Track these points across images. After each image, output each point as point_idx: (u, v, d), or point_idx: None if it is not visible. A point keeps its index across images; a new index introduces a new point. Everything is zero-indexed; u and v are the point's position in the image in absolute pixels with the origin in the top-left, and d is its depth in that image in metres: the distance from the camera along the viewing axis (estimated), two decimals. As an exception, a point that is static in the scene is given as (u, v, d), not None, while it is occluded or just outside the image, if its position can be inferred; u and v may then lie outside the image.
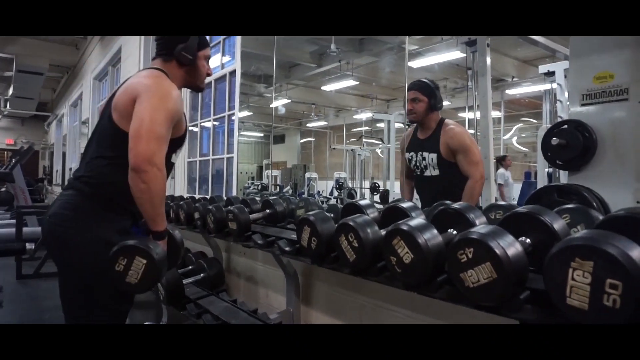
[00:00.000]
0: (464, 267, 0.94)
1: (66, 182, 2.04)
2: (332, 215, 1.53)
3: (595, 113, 1.70)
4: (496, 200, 3.70)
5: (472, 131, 3.41)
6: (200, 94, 5.38)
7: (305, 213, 1.54)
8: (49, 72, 10.58)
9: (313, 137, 15.03)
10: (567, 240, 0.81)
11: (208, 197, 3.05)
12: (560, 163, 1.81)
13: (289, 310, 2.14)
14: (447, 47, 6.69)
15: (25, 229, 4.44)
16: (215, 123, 5.13)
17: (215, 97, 5.07)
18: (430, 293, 1.09)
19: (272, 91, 6.37)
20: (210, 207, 2.25)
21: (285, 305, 2.18)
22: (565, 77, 4.07)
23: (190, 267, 2.82)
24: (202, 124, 5.41)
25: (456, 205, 1.28)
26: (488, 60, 3.06)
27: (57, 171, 13.39)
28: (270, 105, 8.19)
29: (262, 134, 12.97)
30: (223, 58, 5.03)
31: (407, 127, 4.47)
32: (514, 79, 8.98)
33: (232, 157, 4.64)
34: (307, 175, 9.35)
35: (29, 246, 4.35)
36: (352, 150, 9.81)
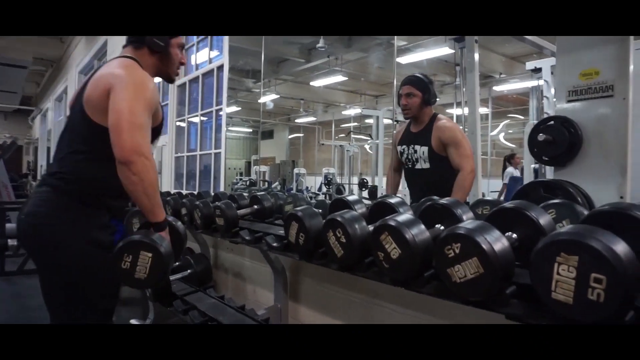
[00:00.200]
0: (451, 262, 0.94)
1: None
2: (320, 211, 1.52)
3: (581, 109, 1.72)
4: (483, 195, 3.74)
5: (460, 126, 3.43)
6: (187, 88, 5.33)
7: (293, 209, 1.53)
8: (33, 65, 10.39)
9: (302, 133, 14.99)
10: (553, 235, 0.82)
11: (195, 192, 3.02)
12: (546, 159, 1.83)
13: (276, 306, 2.14)
14: (435, 43, 6.71)
15: (8, 225, 4.36)
16: (203, 118, 5.08)
17: (202, 91, 5.02)
18: (418, 288, 1.09)
19: (261, 86, 6.33)
20: (197, 202, 2.23)
21: (273, 301, 2.17)
22: (551, 73, 4.10)
23: (177, 263, 2.80)
24: (189, 119, 5.35)
25: (443, 200, 1.28)
26: (476, 56, 3.07)
27: (41, 166, 13.18)
28: (259, 101, 8.14)
29: (251, 130, 12.90)
30: (211, 52, 4.98)
31: (395, 122, 4.49)
32: (502, 76, 9.06)
33: (220, 153, 4.61)
34: (296, 171, 9.32)
35: (12, 242, 4.29)
36: (340, 146, 9.80)
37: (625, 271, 0.72)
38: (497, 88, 9.51)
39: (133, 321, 2.49)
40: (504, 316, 0.92)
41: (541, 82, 4.33)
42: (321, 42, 6.30)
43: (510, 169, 6.79)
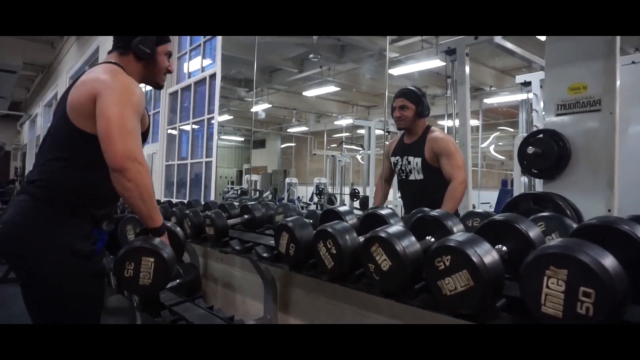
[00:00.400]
0: (442, 274, 0.94)
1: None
2: (311, 221, 1.52)
3: (569, 123, 1.74)
4: (474, 207, 3.75)
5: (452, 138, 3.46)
6: (179, 96, 5.31)
7: (284, 219, 1.52)
8: (23, 70, 10.28)
9: (294, 143, 15.01)
10: (542, 248, 0.82)
11: (186, 201, 2.99)
12: (535, 171, 1.84)
13: (266, 317, 2.12)
14: (427, 55, 6.78)
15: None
16: (194, 126, 5.07)
17: (194, 100, 5.01)
18: (408, 300, 1.09)
19: (253, 95, 6.34)
20: (187, 211, 2.21)
21: (262, 312, 2.15)
22: (541, 87, 4.17)
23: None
24: (181, 127, 5.33)
25: (434, 212, 1.28)
26: (467, 69, 3.11)
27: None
28: (251, 110, 8.14)
29: (243, 139, 12.89)
30: (203, 61, 4.98)
31: (387, 134, 4.51)
32: (492, 88, 9.17)
33: (211, 161, 4.59)
34: (288, 180, 9.31)
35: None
36: (332, 156, 9.82)
37: (614, 285, 0.72)
38: (488, 100, 9.63)
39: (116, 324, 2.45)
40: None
41: (531, 95, 4.39)
42: (314, 53, 6.33)
43: None
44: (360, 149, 8.83)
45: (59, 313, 1.38)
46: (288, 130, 14.19)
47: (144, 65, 1.54)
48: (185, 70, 5.32)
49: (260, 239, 1.88)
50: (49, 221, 1.36)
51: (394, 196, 4.34)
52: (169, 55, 1.62)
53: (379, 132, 7.34)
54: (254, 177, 9.34)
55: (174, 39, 5.07)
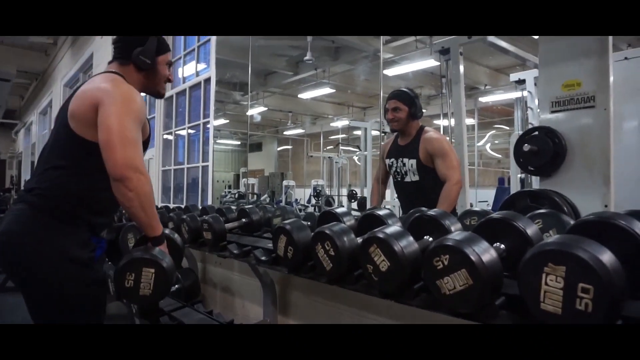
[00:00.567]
0: (440, 274, 0.94)
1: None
2: (308, 223, 1.52)
3: (564, 120, 1.74)
4: (471, 206, 3.76)
5: (447, 138, 3.46)
6: (175, 101, 5.31)
7: (282, 222, 1.52)
8: (17, 78, 10.23)
9: (290, 145, 15.01)
10: (540, 245, 0.82)
11: (183, 206, 2.99)
12: (532, 169, 1.85)
13: (266, 321, 2.11)
14: (421, 55, 6.79)
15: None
16: (190, 131, 5.06)
17: (190, 104, 5.00)
18: (407, 301, 1.09)
19: (248, 99, 6.32)
20: (184, 216, 2.21)
21: (262, 316, 2.15)
22: (535, 84, 4.18)
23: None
24: (176, 132, 5.33)
25: (432, 212, 1.28)
26: (461, 68, 3.12)
27: (25, 181, 12.95)
28: (247, 113, 8.14)
29: (239, 142, 12.88)
30: (198, 65, 4.98)
31: (383, 134, 4.52)
32: (487, 87, 9.20)
33: (208, 166, 4.58)
34: (285, 183, 9.31)
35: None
36: (329, 157, 9.83)
37: (612, 280, 0.72)
38: (483, 99, 9.65)
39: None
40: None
41: (525, 93, 4.41)
42: (308, 55, 6.33)
43: None
44: (357, 150, 8.84)
45: (60, 320, 1.37)
46: (284, 132, 14.19)
47: (145, 75, 1.54)
48: (180, 75, 5.31)
49: (258, 242, 1.87)
50: (47, 230, 1.35)
51: (391, 196, 4.34)
52: (169, 64, 1.63)
53: (375, 132, 7.35)
54: (251, 180, 9.35)
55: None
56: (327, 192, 9.24)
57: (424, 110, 2.43)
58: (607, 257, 0.75)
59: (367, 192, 7.04)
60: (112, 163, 1.27)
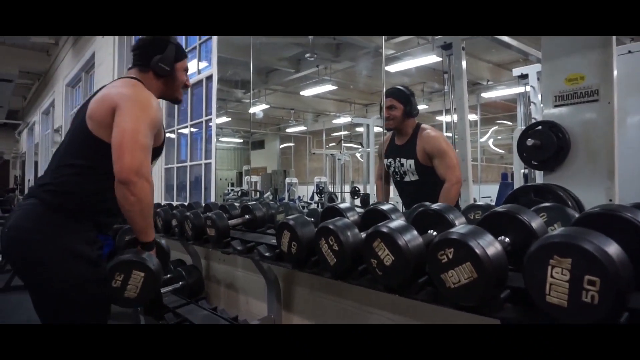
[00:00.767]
0: (445, 267, 0.94)
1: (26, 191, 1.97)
2: (312, 219, 1.51)
3: (567, 114, 1.73)
4: (475, 201, 3.75)
5: (449, 134, 3.45)
6: (176, 99, 5.31)
7: (285, 217, 1.52)
8: (19, 79, 10.27)
9: (292, 142, 15.00)
10: (545, 238, 0.82)
11: (186, 204, 2.99)
12: (535, 163, 1.84)
13: (270, 317, 2.11)
14: (423, 51, 6.78)
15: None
16: (192, 129, 5.06)
17: (192, 102, 5.00)
18: (411, 295, 1.09)
19: (250, 96, 6.33)
20: (188, 213, 2.21)
21: (266, 312, 2.15)
22: (538, 79, 4.16)
23: (168, 275, 2.76)
24: (179, 130, 5.33)
25: (435, 206, 1.28)
26: (464, 63, 3.10)
27: (29, 181, 12.99)
28: (249, 111, 8.14)
29: (241, 140, 12.89)
30: (199, 63, 4.97)
31: (385, 131, 4.51)
32: (489, 82, 9.17)
33: (211, 163, 4.58)
34: (288, 180, 9.31)
35: (-1, 259, 4.21)
36: (331, 154, 9.81)
37: (618, 272, 0.72)
38: (485, 95, 9.62)
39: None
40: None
41: (528, 88, 4.38)
42: (310, 53, 6.33)
43: None
44: (360, 146, 8.83)
45: (66, 316, 1.38)
46: (286, 130, 14.19)
47: (164, 82, 1.59)
48: (182, 73, 5.31)
49: (261, 238, 1.87)
50: (55, 226, 1.37)
51: (394, 192, 4.34)
52: (186, 70, 1.66)
53: (377, 129, 7.34)
54: (254, 178, 9.35)
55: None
56: (330, 189, 9.24)
57: (426, 107, 2.42)
58: (613, 249, 0.74)
59: (369, 189, 7.05)
60: (119, 165, 1.30)
